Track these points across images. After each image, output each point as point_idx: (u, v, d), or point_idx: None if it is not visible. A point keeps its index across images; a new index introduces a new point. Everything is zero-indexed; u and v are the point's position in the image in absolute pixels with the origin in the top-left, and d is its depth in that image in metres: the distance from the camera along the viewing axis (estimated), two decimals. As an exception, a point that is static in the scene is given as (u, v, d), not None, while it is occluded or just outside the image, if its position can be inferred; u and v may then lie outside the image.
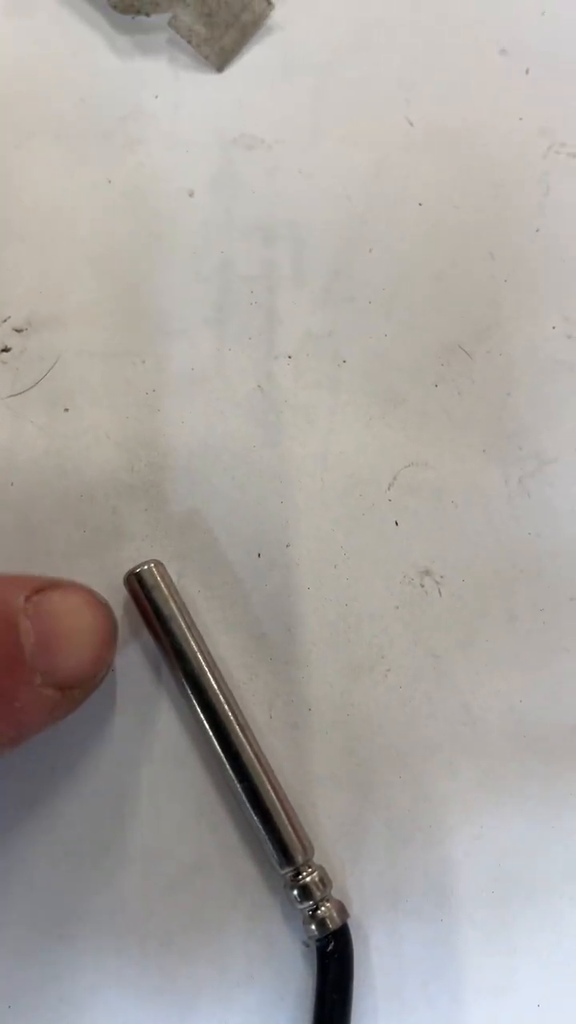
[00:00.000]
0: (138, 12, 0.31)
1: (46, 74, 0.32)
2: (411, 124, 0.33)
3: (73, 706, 0.24)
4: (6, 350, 0.30)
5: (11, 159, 0.31)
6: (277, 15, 0.33)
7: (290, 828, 0.26)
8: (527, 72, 0.34)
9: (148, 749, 0.27)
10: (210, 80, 0.33)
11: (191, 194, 0.32)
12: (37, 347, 0.30)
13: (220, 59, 0.33)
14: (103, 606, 0.25)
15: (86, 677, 0.24)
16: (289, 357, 0.30)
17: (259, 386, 0.30)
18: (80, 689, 0.24)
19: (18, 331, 0.30)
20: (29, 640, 0.22)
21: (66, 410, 0.29)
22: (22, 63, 0.32)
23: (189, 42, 0.33)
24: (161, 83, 0.33)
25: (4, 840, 0.26)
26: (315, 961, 0.26)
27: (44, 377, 0.30)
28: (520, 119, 0.34)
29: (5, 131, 0.32)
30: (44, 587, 0.23)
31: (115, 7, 0.31)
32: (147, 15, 0.32)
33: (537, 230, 0.32)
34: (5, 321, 0.30)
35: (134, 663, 0.28)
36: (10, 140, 0.32)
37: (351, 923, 0.26)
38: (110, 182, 0.32)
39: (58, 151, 0.32)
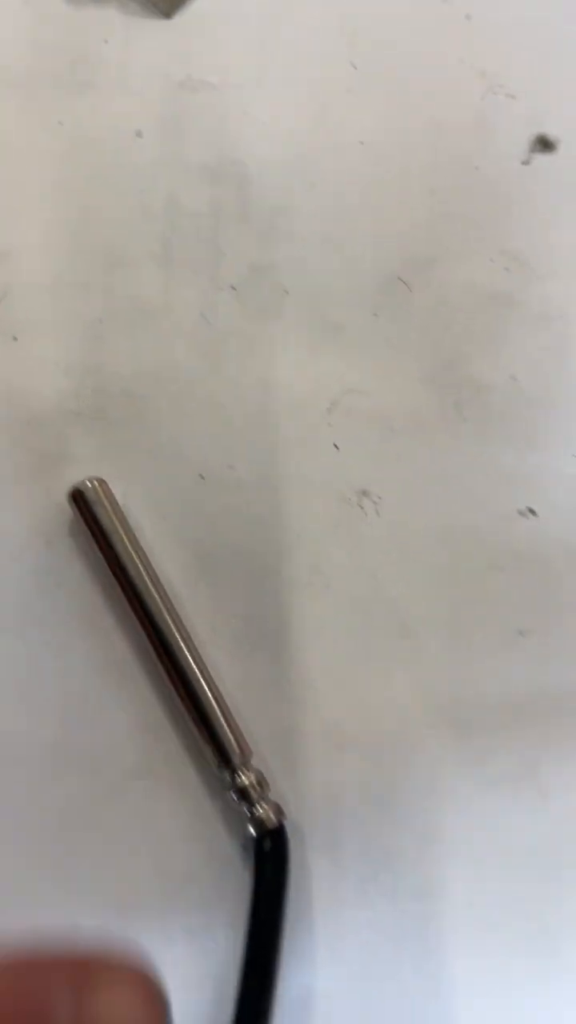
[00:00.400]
0: None
1: (-2, 21, 0.33)
2: (354, 67, 0.34)
3: None
4: (-43, 283, 0.31)
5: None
6: (223, -38, 0.34)
7: (228, 731, 0.27)
8: (468, 18, 0.35)
9: (93, 659, 0.28)
10: (159, 26, 0.34)
11: (139, 135, 0.33)
12: (-13, 280, 0.31)
13: (168, 6, 0.34)
14: (158, 996, 0.18)
15: None
16: (233, 288, 0.31)
17: (203, 315, 0.31)
18: None
19: (-31, 265, 0.31)
20: None
21: (15, 339, 0.30)
22: (-26, 9, 0.33)
23: (137, -11, 0.34)
24: (111, 29, 0.34)
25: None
26: (253, 861, 0.27)
27: (-6, 308, 0.31)
28: (460, 61, 0.35)
29: (-42, 75, 0.33)
30: (89, 974, 0.18)
31: None
32: None
33: (476, 168, 0.33)
34: (-44, 255, 0.31)
35: (81, 577, 0.29)
36: (-37, 83, 0.33)
37: (288, 825, 0.27)
38: (61, 124, 0.33)
39: (8, 94, 0.33)
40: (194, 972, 0.27)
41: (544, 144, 0.34)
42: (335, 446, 0.30)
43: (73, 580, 0.29)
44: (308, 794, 0.28)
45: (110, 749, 0.28)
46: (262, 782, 0.27)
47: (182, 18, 0.34)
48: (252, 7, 0.34)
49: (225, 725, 0.27)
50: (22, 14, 0.33)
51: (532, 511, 0.30)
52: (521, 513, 0.30)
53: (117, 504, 0.28)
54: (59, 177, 0.32)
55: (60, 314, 0.31)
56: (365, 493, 0.30)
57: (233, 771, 0.27)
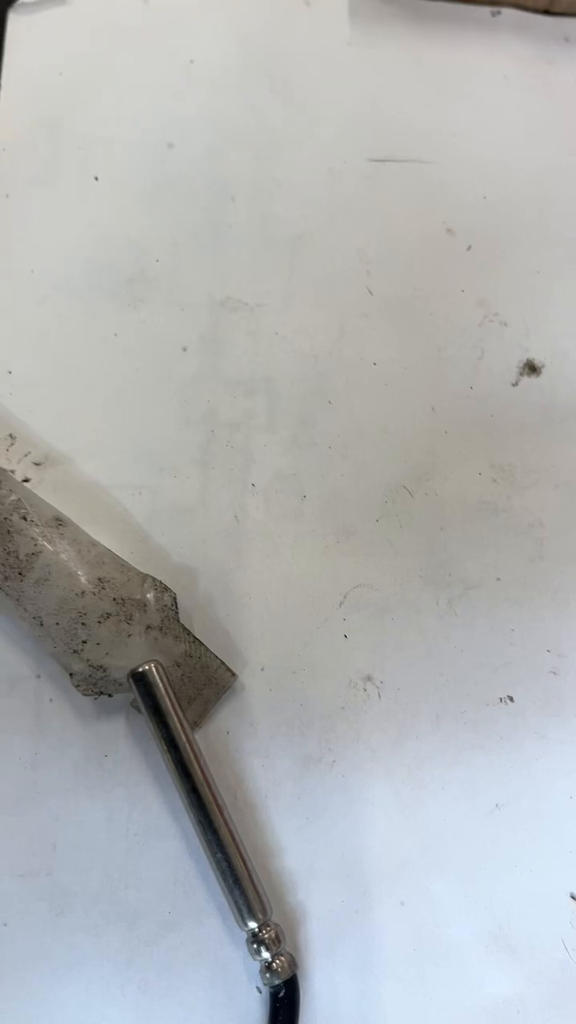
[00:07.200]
0: (100, 694, 0.33)
1: (60, 239, 0.39)
2: (371, 293, 0.40)
3: None
4: (26, 480, 0.36)
5: (32, 313, 0.38)
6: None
7: (254, 892, 0.32)
8: (469, 248, 0.41)
9: (135, 822, 0.33)
10: (204, 255, 0.39)
11: (185, 349, 0.38)
12: (52, 478, 0.36)
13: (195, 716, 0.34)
14: None
15: None
16: (260, 492, 0.37)
17: (235, 517, 0.36)
18: None
19: (37, 464, 0.36)
20: None
21: (74, 535, 0.35)
22: (35, 233, 0.38)
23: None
24: (163, 257, 0.39)
25: (7, 897, 0.32)
26: (267, 1003, 0.32)
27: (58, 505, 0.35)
28: (462, 291, 0.40)
29: (27, 290, 0.38)
30: None
31: (77, 687, 0.32)
32: (109, 696, 0.33)
33: (471, 388, 0.39)
34: (26, 456, 0.36)
35: (131, 748, 0.33)
36: (32, 298, 0.38)
37: (300, 973, 0.32)
38: (116, 335, 0.38)
39: (71, 307, 0.38)
40: None
41: (531, 368, 0.40)
42: (344, 636, 0.36)
43: (123, 749, 0.33)
44: (313, 944, 0.33)
45: (147, 903, 0.32)
46: (279, 936, 0.32)
47: (222, 244, 0.40)
48: (282, 235, 0.40)
49: (252, 887, 0.32)
50: (86, 236, 0.39)
51: (511, 698, 0.36)
52: (502, 700, 0.36)
53: (168, 685, 0.33)
54: (114, 385, 0.37)
55: (114, 512, 0.36)
56: (369, 678, 0.35)
57: (257, 927, 0.31)
